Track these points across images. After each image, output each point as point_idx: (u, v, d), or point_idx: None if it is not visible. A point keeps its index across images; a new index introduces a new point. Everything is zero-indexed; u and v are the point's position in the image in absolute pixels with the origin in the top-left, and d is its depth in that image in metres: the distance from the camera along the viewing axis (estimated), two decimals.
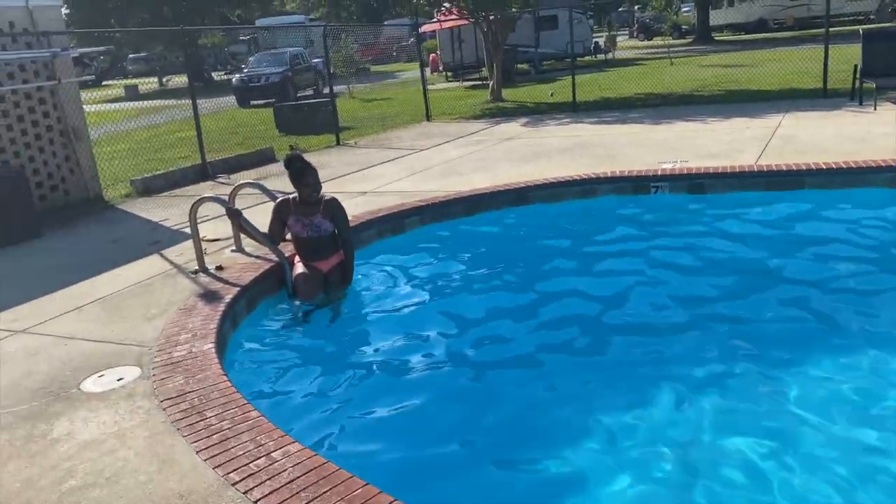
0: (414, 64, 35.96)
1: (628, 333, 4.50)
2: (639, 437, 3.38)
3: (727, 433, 3.32)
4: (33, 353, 4.31)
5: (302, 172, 5.14)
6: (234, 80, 24.95)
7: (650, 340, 4.36)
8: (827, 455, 3.10)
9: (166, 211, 8.14)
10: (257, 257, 5.72)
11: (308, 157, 5.41)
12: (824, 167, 6.66)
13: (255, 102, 22.51)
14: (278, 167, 10.10)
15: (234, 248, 6.03)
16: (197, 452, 2.99)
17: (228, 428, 3.15)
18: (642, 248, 5.91)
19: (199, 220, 5.61)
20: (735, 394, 3.67)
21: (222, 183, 9.69)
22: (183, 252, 6.16)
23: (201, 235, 5.69)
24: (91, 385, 3.77)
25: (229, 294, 4.89)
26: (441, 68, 27.34)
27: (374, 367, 4.31)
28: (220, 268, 5.52)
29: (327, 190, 5.49)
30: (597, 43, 28.76)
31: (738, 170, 6.96)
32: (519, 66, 25.32)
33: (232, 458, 2.91)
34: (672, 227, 6.49)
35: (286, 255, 5.37)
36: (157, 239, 6.86)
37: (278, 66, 23.88)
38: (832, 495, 2.85)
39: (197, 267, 5.55)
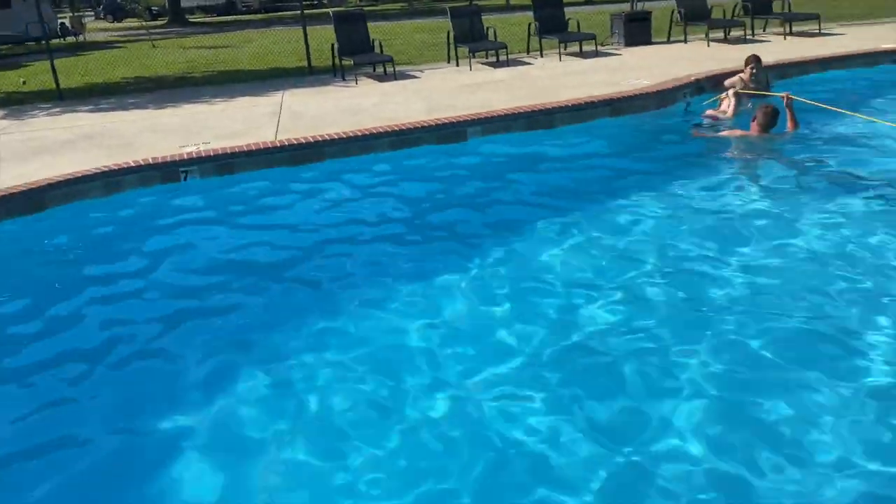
0: None
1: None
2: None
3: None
4: None
5: None
6: None
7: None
8: None
9: None
10: None
11: None
12: (338, 137, 7.37)
13: None
14: None
15: None
16: None
17: None
18: (211, 237, 5.78)
19: None
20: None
21: None
22: None
23: None
24: None
25: None
26: None
27: None
28: None
29: None
30: (63, 24, 25.96)
31: (262, 146, 7.22)
32: None
33: None
34: (209, 211, 6.44)
35: None
36: None
37: None
38: None
39: None
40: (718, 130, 7.57)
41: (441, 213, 6.04)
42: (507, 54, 12.14)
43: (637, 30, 13.04)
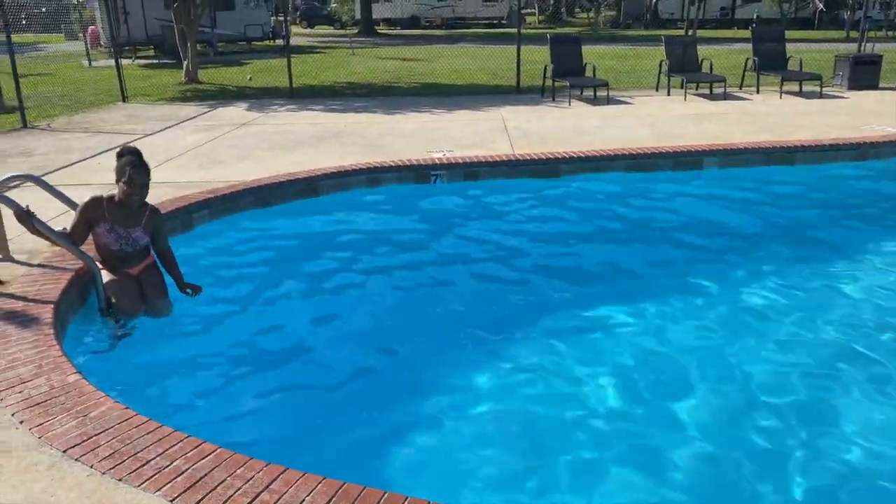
0: (56, 36, 31.50)
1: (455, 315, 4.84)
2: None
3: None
4: None
5: (135, 168, 4.33)
6: None
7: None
8: None
9: None
10: (40, 266, 4.69)
11: None
12: (574, 156, 7.66)
13: None
14: None
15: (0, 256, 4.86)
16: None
17: (188, 469, 2.67)
18: (457, 234, 6.27)
19: None
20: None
21: None
22: None
23: None
24: None
25: (44, 313, 3.98)
26: (102, 43, 24.35)
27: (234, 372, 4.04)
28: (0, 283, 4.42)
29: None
30: (274, 28, 28.27)
31: (505, 158, 7.64)
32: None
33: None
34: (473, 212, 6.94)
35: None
36: None
37: None
38: None
39: None
40: None
41: (683, 236, 6.18)
42: (724, 87, 12.02)
43: (864, 73, 12.48)
